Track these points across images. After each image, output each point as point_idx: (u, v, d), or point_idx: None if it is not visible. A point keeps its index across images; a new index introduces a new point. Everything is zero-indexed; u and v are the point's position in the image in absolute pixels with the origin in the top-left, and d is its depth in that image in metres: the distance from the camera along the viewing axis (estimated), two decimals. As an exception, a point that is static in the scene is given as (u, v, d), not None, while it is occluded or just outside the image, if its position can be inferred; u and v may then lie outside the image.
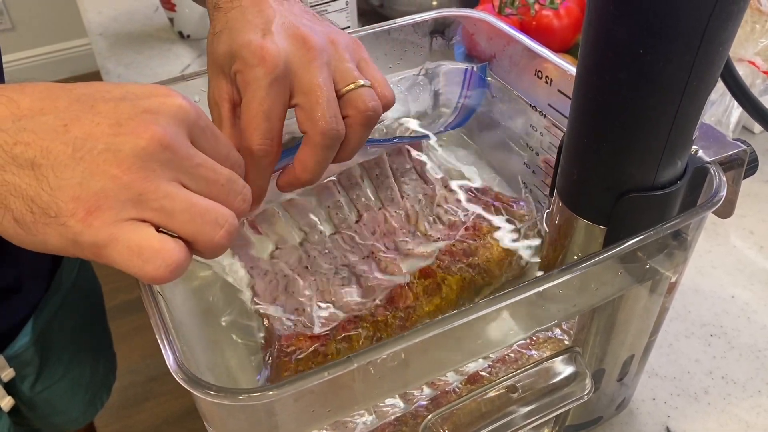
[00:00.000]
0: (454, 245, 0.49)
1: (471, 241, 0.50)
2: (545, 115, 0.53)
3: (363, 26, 0.56)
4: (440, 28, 0.59)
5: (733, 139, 0.39)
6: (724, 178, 0.37)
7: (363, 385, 0.33)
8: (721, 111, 0.68)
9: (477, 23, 0.57)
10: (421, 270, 0.48)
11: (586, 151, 0.36)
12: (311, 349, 0.43)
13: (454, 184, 0.55)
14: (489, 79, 0.58)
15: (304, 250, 0.50)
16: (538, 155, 0.55)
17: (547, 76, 0.51)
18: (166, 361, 0.31)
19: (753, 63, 0.67)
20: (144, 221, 0.28)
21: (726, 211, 0.40)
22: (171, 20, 0.99)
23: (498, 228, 0.51)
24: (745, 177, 0.40)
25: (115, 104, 0.29)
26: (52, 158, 0.28)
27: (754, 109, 0.37)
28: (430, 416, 0.37)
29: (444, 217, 0.52)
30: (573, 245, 0.39)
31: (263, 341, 0.47)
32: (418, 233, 0.51)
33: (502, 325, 0.36)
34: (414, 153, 0.56)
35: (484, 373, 0.45)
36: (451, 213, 0.53)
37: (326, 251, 0.50)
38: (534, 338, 0.47)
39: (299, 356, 0.43)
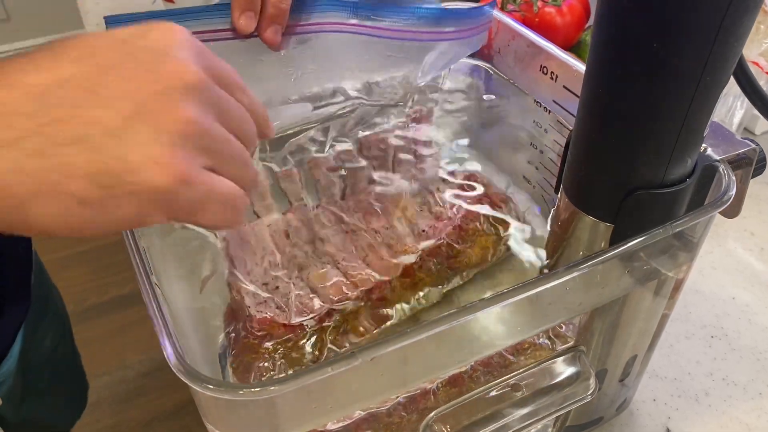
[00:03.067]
0: (439, 248, 0.49)
1: (456, 245, 0.50)
2: (550, 111, 0.52)
3: (366, 19, 0.55)
4: (444, 23, 0.58)
5: (742, 138, 0.39)
6: (734, 177, 0.37)
7: (365, 382, 0.32)
8: (724, 112, 0.67)
9: (481, 18, 0.57)
10: (402, 271, 0.48)
11: (594, 146, 0.35)
12: (284, 338, 0.44)
13: (447, 174, 0.55)
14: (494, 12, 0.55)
15: (285, 219, 0.50)
16: (542, 153, 0.54)
17: (552, 72, 0.50)
18: (165, 355, 0.30)
19: (757, 63, 0.67)
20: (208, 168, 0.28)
21: (733, 210, 0.40)
22: (169, 12, 0.98)
23: (484, 227, 0.51)
24: (753, 176, 0.40)
25: (131, 55, 0.27)
26: (102, 125, 0.25)
27: (766, 107, 0.37)
28: (431, 414, 0.36)
29: (433, 208, 0.52)
30: (578, 243, 0.39)
31: (226, 311, 0.47)
32: (403, 218, 0.51)
33: (505, 324, 0.36)
34: (418, 137, 0.56)
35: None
36: (440, 204, 0.53)
37: (308, 219, 0.50)
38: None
39: (269, 342, 0.43)
